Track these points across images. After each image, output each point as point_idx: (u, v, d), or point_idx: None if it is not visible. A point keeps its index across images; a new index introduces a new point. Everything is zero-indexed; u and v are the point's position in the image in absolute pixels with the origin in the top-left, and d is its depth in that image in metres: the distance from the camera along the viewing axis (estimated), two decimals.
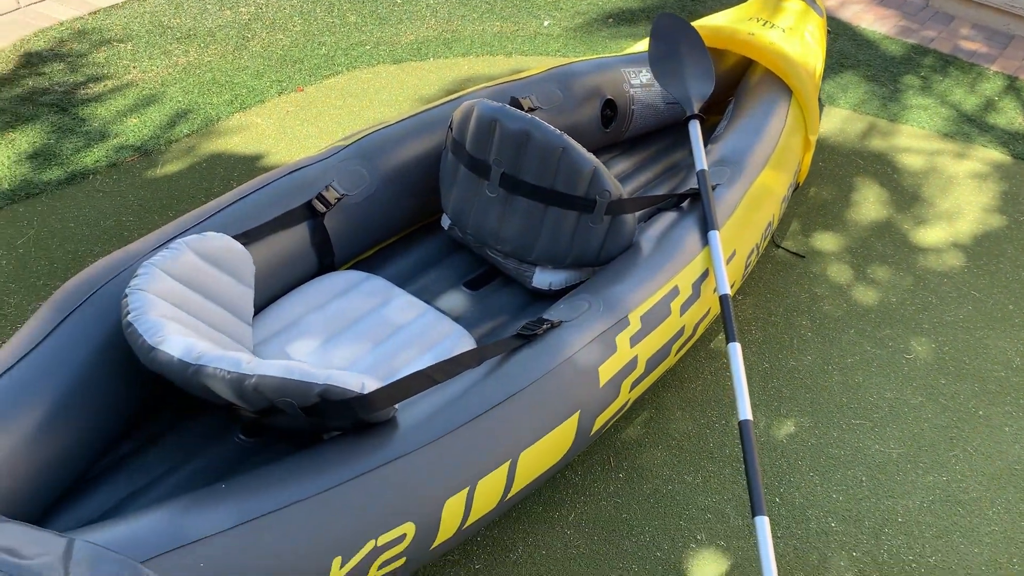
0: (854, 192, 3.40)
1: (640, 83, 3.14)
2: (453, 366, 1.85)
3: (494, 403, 1.85)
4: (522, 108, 2.78)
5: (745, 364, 2.61)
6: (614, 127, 3.10)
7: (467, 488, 1.78)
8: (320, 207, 2.34)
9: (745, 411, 2.05)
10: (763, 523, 1.90)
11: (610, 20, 4.51)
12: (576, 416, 1.98)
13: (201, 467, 1.94)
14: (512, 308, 2.47)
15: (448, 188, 2.53)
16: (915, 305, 2.88)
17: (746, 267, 2.58)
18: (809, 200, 3.34)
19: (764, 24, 3.27)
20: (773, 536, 2.15)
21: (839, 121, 3.82)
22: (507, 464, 1.85)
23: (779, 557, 2.10)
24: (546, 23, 4.46)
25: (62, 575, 1.40)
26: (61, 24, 4.03)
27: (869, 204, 3.33)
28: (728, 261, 2.44)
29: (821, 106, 3.35)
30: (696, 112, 2.77)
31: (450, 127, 2.50)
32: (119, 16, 4.16)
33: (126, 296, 1.82)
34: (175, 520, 1.54)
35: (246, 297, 2.11)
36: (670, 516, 2.18)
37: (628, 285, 2.21)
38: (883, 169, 3.54)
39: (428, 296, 2.47)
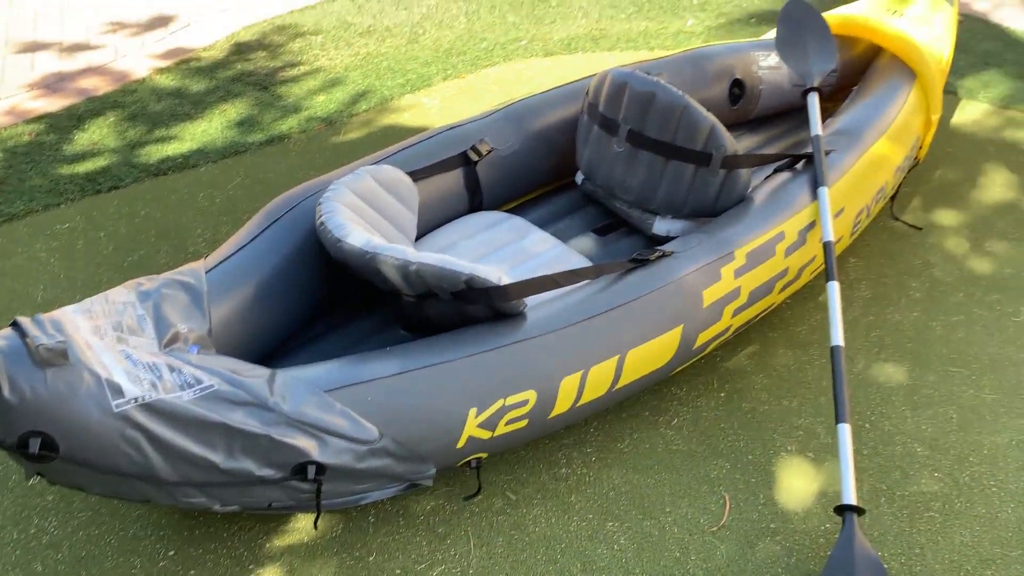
0: (981, 176, 3.50)
1: (769, 65, 3.41)
2: (575, 275, 2.21)
3: (607, 308, 2.20)
4: None
5: (851, 317, 2.82)
6: (742, 104, 3.38)
7: (581, 372, 2.13)
8: (474, 156, 2.76)
9: (837, 338, 2.30)
10: (844, 430, 2.14)
11: (752, 20, 4.76)
12: (680, 329, 2.29)
13: (370, 350, 2.38)
14: (634, 252, 2.80)
15: (583, 146, 2.90)
16: None
17: (854, 226, 2.80)
18: (933, 180, 3.48)
19: (894, 13, 3.46)
20: (859, 453, 2.37)
21: (978, 114, 3.90)
22: (616, 358, 2.18)
23: (862, 471, 2.32)
24: (689, 22, 4.77)
25: (268, 391, 1.86)
26: (264, 20, 4.73)
27: (996, 187, 3.43)
28: (836, 216, 2.67)
29: (957, 98, 3.46)
30: (815, 85, 3.01)
31: (587, 93, 2.88)
32: (311, 14, 4.83)
33: (320, 204, 2.29)
34: (350, 367, 1.97)
35: (411, 220, 2.55)
36: (764, 430, 2.44)
37: (737, 227, 2.50)
38: (1017, 158, 3.61)
39: (561, 239, 2.84)
